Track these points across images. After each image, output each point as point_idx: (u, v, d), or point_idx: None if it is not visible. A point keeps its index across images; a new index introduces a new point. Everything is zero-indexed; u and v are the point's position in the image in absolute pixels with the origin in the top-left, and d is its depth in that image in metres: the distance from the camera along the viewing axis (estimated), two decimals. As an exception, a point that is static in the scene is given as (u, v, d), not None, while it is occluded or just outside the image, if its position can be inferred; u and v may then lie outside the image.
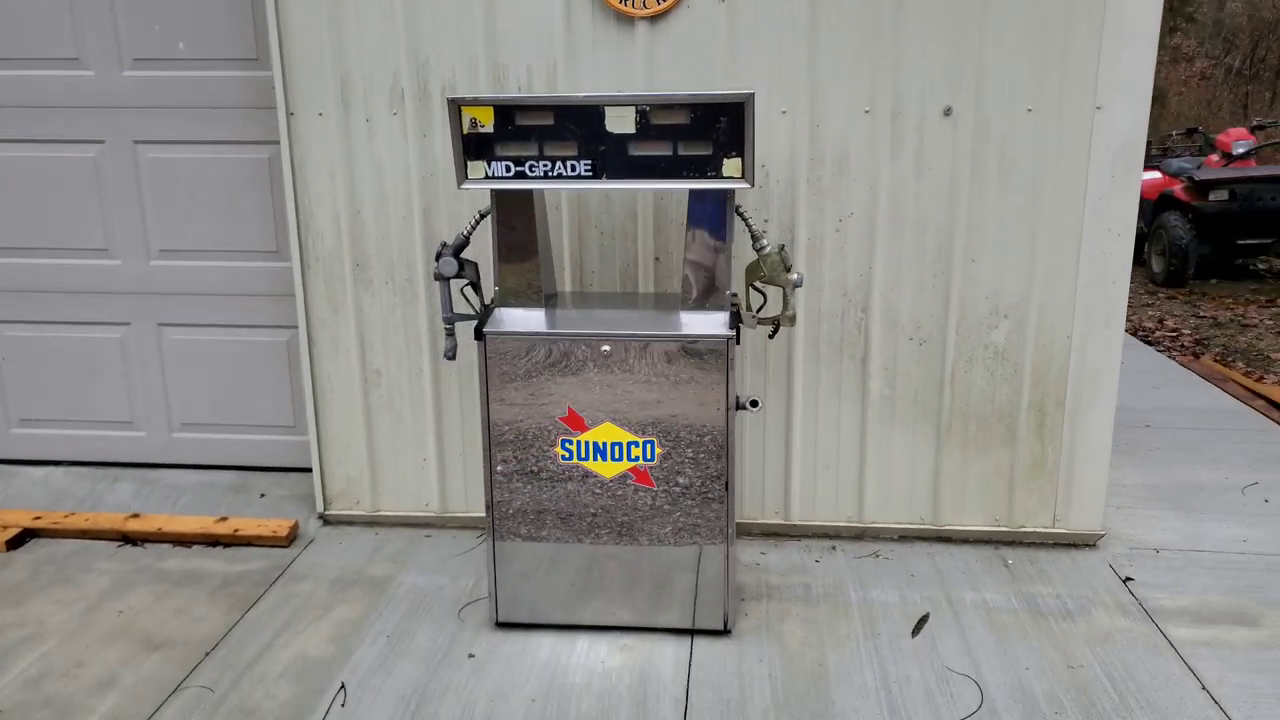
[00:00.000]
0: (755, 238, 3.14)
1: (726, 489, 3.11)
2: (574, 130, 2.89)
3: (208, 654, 3.17)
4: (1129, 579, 3.58)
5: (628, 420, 3.08)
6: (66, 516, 3.98)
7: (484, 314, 3.14)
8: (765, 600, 3.47)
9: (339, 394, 3.90)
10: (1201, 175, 9.63)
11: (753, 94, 2.80)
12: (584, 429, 3.10)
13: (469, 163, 2.94)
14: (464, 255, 3.16)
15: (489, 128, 2.90)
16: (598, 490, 3.14)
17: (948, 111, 3.47)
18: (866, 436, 3.79)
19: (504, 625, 3.28)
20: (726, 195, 3.01)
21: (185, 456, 4.32)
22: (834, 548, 3.83)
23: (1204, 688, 2.96)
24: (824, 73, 3.47)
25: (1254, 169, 9.75)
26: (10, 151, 4.02)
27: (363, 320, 3.82)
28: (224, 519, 3.95)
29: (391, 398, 3.89)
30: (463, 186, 2.96)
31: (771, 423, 3.80)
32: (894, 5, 3.39)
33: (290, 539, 3.88)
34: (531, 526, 3.18)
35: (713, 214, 3.03)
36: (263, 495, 4.18)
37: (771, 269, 3.09)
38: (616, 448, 3.11)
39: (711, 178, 2.90)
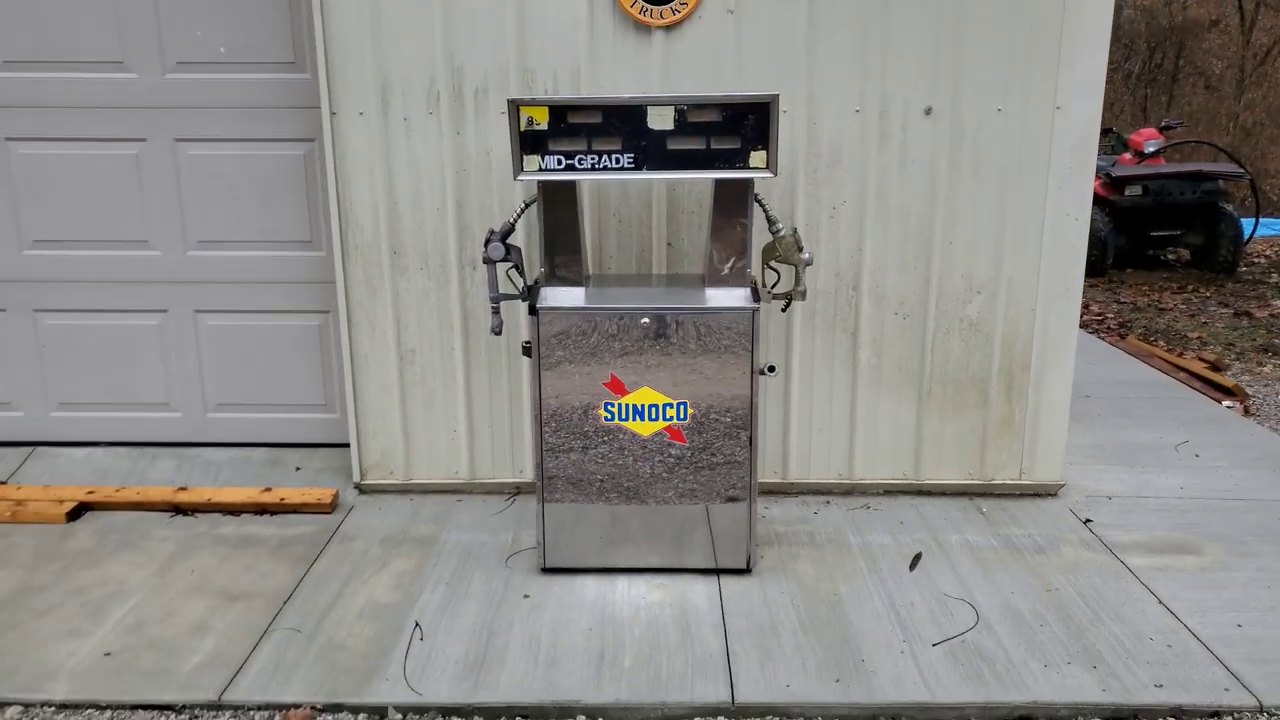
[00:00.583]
0: (771, 221, 3.57)
1: (750, 444, 3.54)
2: (619, 127, 3.28)
3: (285, 602, 3.50)
4: (1089, 520, 4.10)
5: (663, 384, 3.49)
6: (118, 490, 4.24)
7: (531, 293, 3.52)
8: (776, 545, 3.90)
9: (374, 372, 4.23)
10: (1117, 172, 10.35)
11: (777, 95, 3.23)
12: (624, 393, 3.50)
13: (525, 156, 3.32)
14: (509, 241, 3.54)
15: (544, 125, 3.29)
16: (635, 447, 3.54)
17: (928, 111, 3.95)
18: (856, 402, 4.24)
19: (549, 570, 3.66)
20: (749, 184, 3.43)
21: (220, 435, 4.61)
22: (828, 502, 4.29)
23: (1160, 602, 3.47)
24: (820, 77, 3.92)
25: (1164, 166, 10.52)
26: (57, 150, 4.28)
27: (399, 303, 4.16)
28: (268, 489, 4.25)
29: (424, 375, 4.23)
30: (519, 178, 3.33)
31: (772, 391, 4.24)
32: (881, 18, 3.85)
33: (333, 506, 4.20)
34: (574, 480, 3.57)
35: (737, 201, 3.45)
36: (298, 469, 4.49)
37: (786, 249, 3.52)
38: (653, 409, 3.52)
39: (740, 168, 3.32)
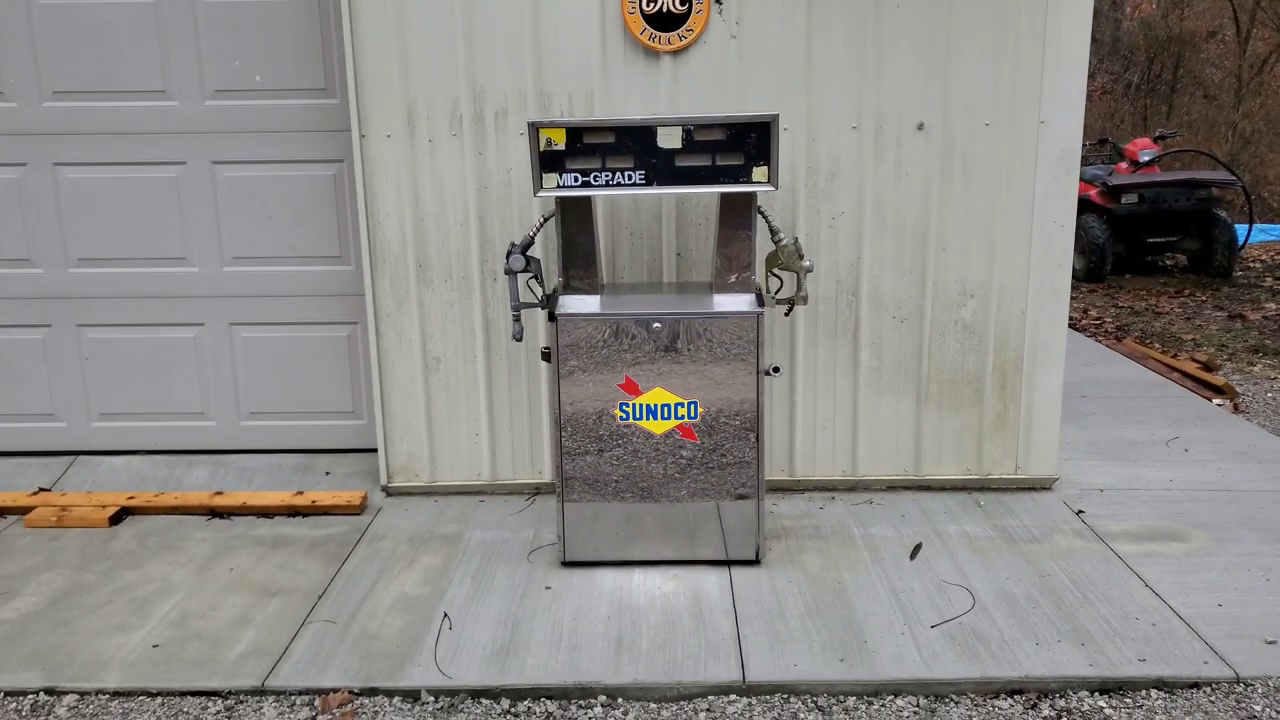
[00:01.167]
0: (774, 231, 3.80)
1: (758, 440, 3.77)
2: (631, 146, 3.53)
3: (320, 596, 3.73)
4: (1081, 511, 4.32)
5: (674, 385, 3.72)
6: (157, 495, 4.49)
7: (550, 301, 3.76)
8: (783, 539, 4.12)
9: (401, 379, 4.47)
10: (1114, 181, 10.58)
11: (777, 115, 3.48)
12: (638, 393, 3.73)
13: (544, 174, 3.56)
14: (529, 253, 3.77)
15: (561, 145, 3.53)
16: (648, 445, 3.77)
17: (921, 126, 4.18)
18: (858, 402, 4.47)
19: (569, 564, 3.89)
20: (752, 197, 3.67)
21: (253, 442, 4.85)
22: (833, 498, 4.51)
23: (1147, 585, 3.69)
24: (818, 96, 4.16)
25: (1159, 174, 10.75)
26: (102, 174, 4.55)
27: (424, 314, 4.40)
28: (300, 493, 4.49)
29: (449, 381, 4.47)
30: (538, 194, 3.58)
31: (777, 392, 4.46)
32: (875, 41, 4.10)
33: (362, 508, 4.43)
34: (591, 481, 3.80)
35: (741, 213, 3.69)
36: (328, 473, 4.72)
37: (788, 257, 3.75)
38: (665, 409, 3.75)
39: (743, 182, 3.56)
